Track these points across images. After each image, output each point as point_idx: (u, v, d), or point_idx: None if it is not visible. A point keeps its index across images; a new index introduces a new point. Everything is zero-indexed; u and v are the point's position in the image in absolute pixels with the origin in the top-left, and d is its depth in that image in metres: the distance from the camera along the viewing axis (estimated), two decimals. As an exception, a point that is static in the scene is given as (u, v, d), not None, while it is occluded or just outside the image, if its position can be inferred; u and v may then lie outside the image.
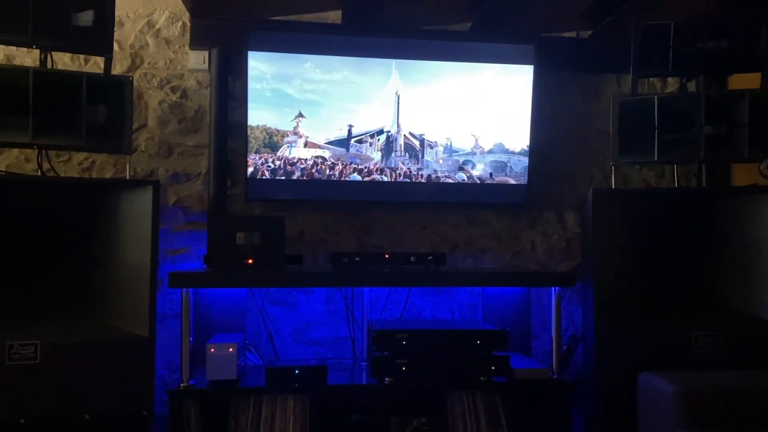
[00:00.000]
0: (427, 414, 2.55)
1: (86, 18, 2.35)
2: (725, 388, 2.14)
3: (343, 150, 2.95)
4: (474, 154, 3.04)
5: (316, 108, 2.91)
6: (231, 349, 2.41)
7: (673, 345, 2.50)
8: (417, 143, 3.01)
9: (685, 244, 2.74)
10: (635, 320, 2.59)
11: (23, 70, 2.28)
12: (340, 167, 2.94)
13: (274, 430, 2.39)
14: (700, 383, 2.14)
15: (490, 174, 3.04)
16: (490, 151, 3.04)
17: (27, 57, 2.79)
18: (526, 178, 3.06)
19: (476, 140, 3.04)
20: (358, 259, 2.63)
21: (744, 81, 2.76)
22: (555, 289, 2.63)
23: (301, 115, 2.90)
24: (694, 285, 2.71)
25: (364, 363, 2.84)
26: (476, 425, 2.48)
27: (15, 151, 2.77)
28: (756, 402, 2.11)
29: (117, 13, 2.54)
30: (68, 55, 2.82)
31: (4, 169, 2.73)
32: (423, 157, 3.02)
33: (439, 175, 3.01)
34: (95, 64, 2.85)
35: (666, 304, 2.67)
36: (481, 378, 2.53)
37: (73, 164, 2.86)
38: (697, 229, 2.73)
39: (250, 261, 2.52)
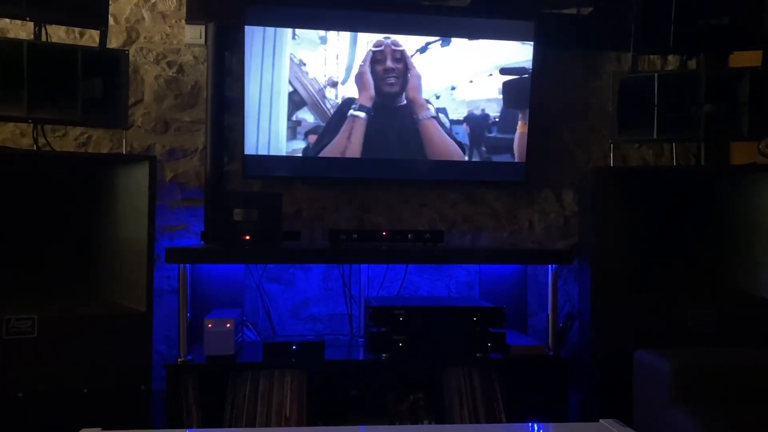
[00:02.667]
0: (423, 390, 2.56)
1: (81, -10, 2.32)
2: (721, 366, 2.15)
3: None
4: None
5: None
6: (228, 325, 2.41)
7: (669, 322, 2.52)
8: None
9: (683, 222, 2.75)
10: (632, 298, 2.60)
11: (17, 43, 2.25)
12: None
13: (272, 404, 2.41)
14: (695, 360, 2.16)
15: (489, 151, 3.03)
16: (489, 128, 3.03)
17: (21, 30, 2.75)
18: (525, 156, 3.04)
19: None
20: (355, 236, 2.64)
21: (745, 59, 2.74)
22: (552, 267, 2.63)
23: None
24: (691, 263, 2.72)
25: (361, 339, 2.85)
26: (472, 401, 2.50)
27: (10, 125, 2.75)
28: (751, 379, 2.12)
29: (112, -15, 2.51)
30: (63, 28, 2.79)
31: (-1, 144, 2.72)
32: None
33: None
34: (90, 38, 2.82)
35: (663, 282, 2.68)
36: (478, 354, 2.55)
37: (69, 139, 2.85)
38: (695, 208, 2.73)
39: (248, 237, 2.51)
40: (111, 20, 2.79)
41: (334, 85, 2.88)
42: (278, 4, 2.87)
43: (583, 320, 2.75)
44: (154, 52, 2.95)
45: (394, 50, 2.84)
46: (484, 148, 3.02)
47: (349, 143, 2.86)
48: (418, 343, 2.53)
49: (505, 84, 3.01)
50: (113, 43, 2.87)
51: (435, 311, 2.58)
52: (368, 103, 2.87)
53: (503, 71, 2.99)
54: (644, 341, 2.39)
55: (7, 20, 2.71)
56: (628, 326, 2.53)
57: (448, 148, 2.99)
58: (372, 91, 2.87)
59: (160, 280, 2.82)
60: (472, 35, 2.96)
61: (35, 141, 2.47)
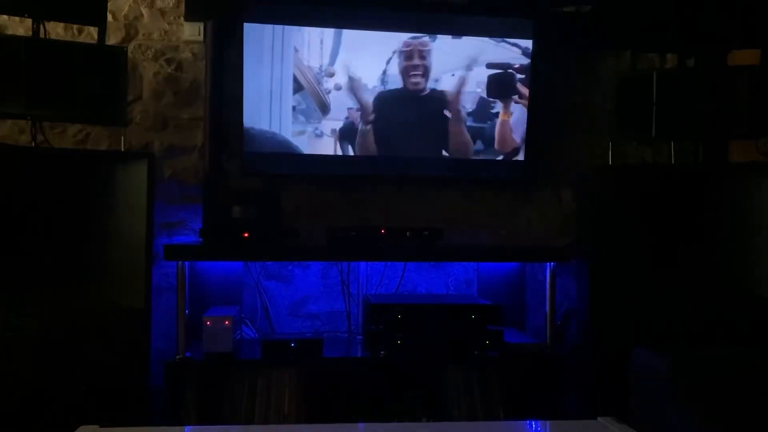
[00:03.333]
0: (421, 387, 2.57)
1: (79, -14, 2.32)
2: (719, 364, 2.16)
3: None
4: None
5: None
6: (227, 322, 2.41)
7: (667, 320, 2.52)
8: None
9: (682, 220, 2.75)
10: (630, 296, 2.60)
11: (15, 40, 2.26)
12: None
13: (270, 402, 2.41)
14: (694, 359, 2.16)
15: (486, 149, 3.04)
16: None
17: (20, 27, 2.75)
18: (524, 154, 3.04)
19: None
20: (354, 233, 2.64)
21: (744, 57, 2.74)
22: (550, 265, 2.63)
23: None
24: (689, 261, 2.72)
25: (360, 337, 2.86)
26: (470, 398, 2.50)
27: (9, 122, 2.74)
28: (749, 378, 2.13)
29: (110, -18, 2.51)
30: (61, 25, 2.78)
31: (-3, 141, 2.71)
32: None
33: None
34: (89, 35, 2.81)
35: (661, 280, 2.68)
36: (476, 352, 2.55)
37: (67, 136, 2.84)
38: (693, 206, 2.73)
39: (246, 235, 2.51)
40: (109, 17, 2.78)
41: (331, 75, 2.89)
42: (278, 2, 2.87)
43: (582, 318, 2.75)
44: (153, 49, 2.94)
45: (421, 50, 2.94)
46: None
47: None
48: (417, 340, 2.53)
49: (490, 77, 2.99)
50: (112, 39, 2.86)
51: (433, 309, 2.58)
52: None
53: (489, 65, 2.98)
54: (642, 339, 2.40)
55: (6, 17, 2.71)
56: (626, 324, 2.53)
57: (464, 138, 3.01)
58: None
59: (159, 277, 2.82)
60: (470, 33, 2.95)
61: (33, 138, 2.47)
